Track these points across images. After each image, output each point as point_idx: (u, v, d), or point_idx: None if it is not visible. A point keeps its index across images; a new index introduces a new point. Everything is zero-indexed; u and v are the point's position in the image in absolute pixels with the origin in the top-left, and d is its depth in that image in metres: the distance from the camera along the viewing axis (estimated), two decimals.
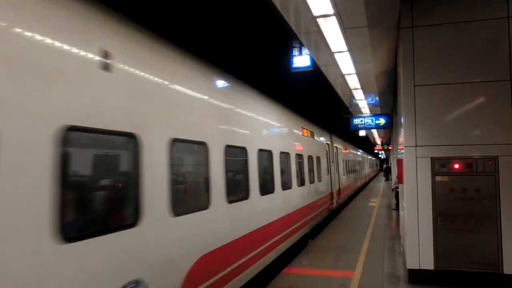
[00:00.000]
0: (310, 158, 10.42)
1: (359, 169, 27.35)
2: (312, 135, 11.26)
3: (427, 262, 5.97)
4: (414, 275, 6.05)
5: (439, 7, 6.07)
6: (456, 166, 5.94)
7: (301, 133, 9.87)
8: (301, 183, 9.29)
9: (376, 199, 20.23)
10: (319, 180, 11.57)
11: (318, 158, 11.55)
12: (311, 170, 10.46)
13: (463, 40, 5.98)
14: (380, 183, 34.55)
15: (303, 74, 13.30)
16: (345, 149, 19.68)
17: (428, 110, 6.12)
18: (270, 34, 26.43)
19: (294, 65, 12.47)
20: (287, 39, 12.46)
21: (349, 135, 22.63)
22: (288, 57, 12.48)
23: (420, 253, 6.00)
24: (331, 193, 13.81)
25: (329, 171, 13.57)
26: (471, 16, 5.94)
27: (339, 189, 15.90)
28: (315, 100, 36.53)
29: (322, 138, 12.90)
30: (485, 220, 5.77)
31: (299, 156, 9.28)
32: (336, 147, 15.82)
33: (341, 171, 16.82)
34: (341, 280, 6.37)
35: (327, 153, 13.49)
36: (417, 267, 6.02)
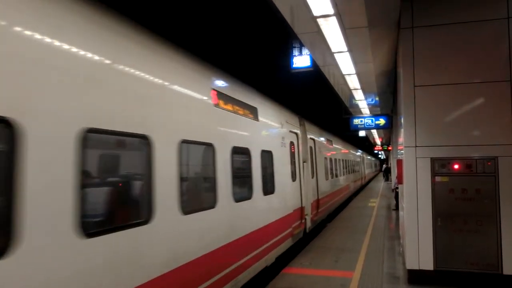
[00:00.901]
0: (244, 154, 6.23)
1: (353, 170, 23.26)
2: (255, 113, 6.78)
3: (426, 262, 5.97)
4: (414, 276, 6.05)
5: (439, 7, 6.08)
6: (456, 166, 5.94)
7: (216, 104, 5.28)
8: (215, 201, 5.04)
9: (376, 199, 20.24)
10: (270, 191, 7.22)
11: (267, 154, 7.25)
12: (244, 176, 6.24)
13: (463, 41, 5.98)
14: (380, 184, 34.60)
15: (303, 74, 13.29)
16: (329, 143, 15.02)
17: (428, 111, 6.12)
18: (270, 34, 26.45)
19: (294, 65, 12.48)
20: (287, 39, 12.48)
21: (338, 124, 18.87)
22: (288, 57, 12.50)
23: (420, 253, 6.00)
24: (301, 209, 9.42)
25: (295, 175, 9.18)
26: (471, 17, 5.94)
27: (318, 200, 11.52)
28: (315, 99, 36.59)
29: (279, 122, 8.26)
30: (485, 221, 5.77)
31: (211, 150, 5.08)
32: (312, 139, 11.54)
33: (321, 174, 12.51)
34: (340, 280, 6.37)
35: (292, 147, 9.18)
36: (416, 268, 6.02)
